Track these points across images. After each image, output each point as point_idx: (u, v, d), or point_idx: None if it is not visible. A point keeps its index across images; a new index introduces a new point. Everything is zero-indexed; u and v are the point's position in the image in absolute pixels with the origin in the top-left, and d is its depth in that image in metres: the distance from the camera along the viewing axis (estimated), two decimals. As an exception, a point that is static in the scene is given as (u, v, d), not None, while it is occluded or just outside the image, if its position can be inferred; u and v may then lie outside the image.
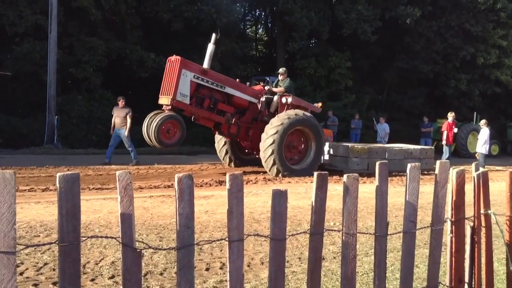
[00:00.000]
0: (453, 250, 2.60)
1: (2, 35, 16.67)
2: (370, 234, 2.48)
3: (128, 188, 1.81)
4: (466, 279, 2.67)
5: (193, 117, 10.72)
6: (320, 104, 12.71)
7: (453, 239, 2.59)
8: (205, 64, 10.67)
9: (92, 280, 3.70)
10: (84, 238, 1.78)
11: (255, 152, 11.56)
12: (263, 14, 29.79)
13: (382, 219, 2.40)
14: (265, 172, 11.03)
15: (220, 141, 12.19)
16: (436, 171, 2.56)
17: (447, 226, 2.61)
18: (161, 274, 3.88)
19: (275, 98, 11.60)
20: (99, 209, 6.44)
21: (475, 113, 21.79)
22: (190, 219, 1.91)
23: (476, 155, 14.49)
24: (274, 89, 11.82)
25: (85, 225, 5.33)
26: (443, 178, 2.56)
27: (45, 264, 3.99)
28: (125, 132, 12.09)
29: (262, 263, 4.29)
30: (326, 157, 12.52)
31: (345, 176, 2.29)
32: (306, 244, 4.70)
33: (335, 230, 2.80)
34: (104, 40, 18.10)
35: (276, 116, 10.94)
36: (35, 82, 17.16)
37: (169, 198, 7.53)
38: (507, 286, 2.80)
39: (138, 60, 18.53)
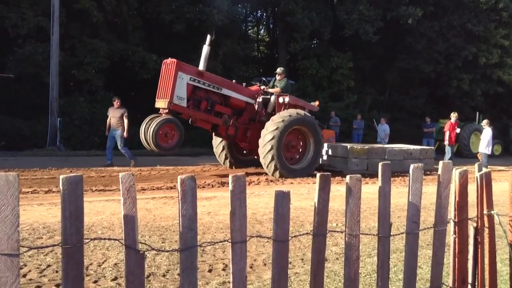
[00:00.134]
0: (456, 250, 2.59)
1: (4, 37, 16.71)
2: (373, 235, 2.47)
3: (131, 190, 1.82)
4: (470, 280, 2.66)
5: (190, 120, 10.69)
6: (317, 103, 12.66)
7: (456, 239, 2.59)
8: (201, 66, 10.63)
9: (95, 282, 3.71)
10: (87, 240, 1.79)
11: (253, 153, 11.53)
12: (264, 15, 29.82)
13: (385, 220, 2.40)
14: (267, 173, 11.03)
15: (218, 145, 12.17)
16: (439, 172, 2.56)
17: (450, 227, 2.61)
18: (164, 275, 3.88)
19: (272, 98, 11.56)
20: (101, 210, 6.44)
21: (477, 113, 21.74)
22: (193, 221, 1.91)
23: (478, 155, 14.46)
24: (270, 90, 11.78)
25: (88, 226, 5.33)
26: (446, 178, 2.56)
27: (48, 266, 4.00)
28: (124, 133, 12.08)
29: (265, 264, 4.28)
30: (325, 157, 12.51)
31: (347, 177, 2.29)
32: (308, 245, 4.69)
33: (338, 232, 2.80)
34: (106, 42, 18.13)
35: (277, 114, 10.92)
36: (37, 84, 17.19)
37: (172, 199, 7.54)
38: (511, 286, 2.79)
39: (140, 62, 18.55)
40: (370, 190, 7.14)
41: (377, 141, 18.57)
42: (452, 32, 23.12)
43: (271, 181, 10.40)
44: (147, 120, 10.22)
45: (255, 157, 11.29)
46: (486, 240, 2.67)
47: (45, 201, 7.18)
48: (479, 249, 2.66)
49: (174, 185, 9.18)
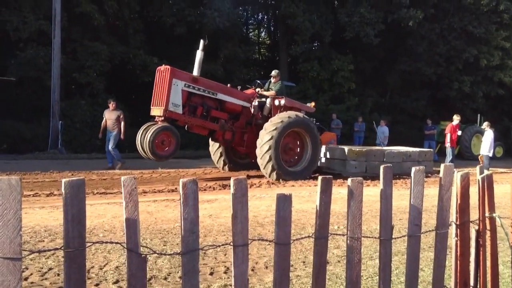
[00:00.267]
0: (458, 253, 2.59)
1: (6, 40, 16.76)
2: (375, 238, 2.47)
3: (133, 193, 1.82)
4: (471, 282, 2.66)
5: (186, 126, 10.68)
6: (313, 104, 12.56)
7: (458, 242, 2.59)
8: (195, 72, 10.58)
9: (97, 285, 3.71)
10: (89, 244, 1.79)
11: (251, 156, 11.47)
12: (265, 17, 29.90)
13: (387, 222, 2.40)
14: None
15: (214, 145, 12.16)
16: (441, 174, 2.56)
17: (452, 230, 2.61)
18: (165, 278, 3.88)
19: (268, 101, 11.54)
20: (103, 213, 6.45)
21: (478, 115, 21.73)
22: (194, 224, 1.91)
23: (480, 157, 14.44)
24: (265, 93, 11.73)
25: (89, 229, 5.33)
26: (447, 181, 2.56)
27: (50, 269, 4.00)
28: (120, 135, 12.10)
29: (267, 267, 4.28)
30: (324, 160, 12.48)
31: (349, 179, 2.29)
32: (310, 248, 4.69)
33: (339, 234, 2.80)
34: (107, 45, 18.18)
35: (276, 115, 10.88)
36: (39, 87, 17.24)
37: (173, 202, 7.54)
38: (513, 289, 2.78)
39: (141, 65, 18.60)
40: (371, 192, 7.14)
41: (376, 143, 18.55)
42: (453, 35, 23.14)
43: (273, 183, 10.39)
44: (143, 129, 10.15)
45: (253, 160, 11.20)
46: (488, 243, 2.67)
47: (47, 204, 7.19)
48: (481, 252, 2.66)
49: (176, 188, 9.19)
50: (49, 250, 2.15)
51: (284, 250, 2.09)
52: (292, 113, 10.90)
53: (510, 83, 23.76)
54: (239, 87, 11.82)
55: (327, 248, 2.23)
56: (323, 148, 12.64)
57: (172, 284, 3.75)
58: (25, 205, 6.80)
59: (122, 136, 12.14)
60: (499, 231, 2.73)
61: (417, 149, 13.61)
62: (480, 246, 2.66)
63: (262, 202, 7.73)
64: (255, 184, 10.23)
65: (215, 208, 7.13)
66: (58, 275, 3.82)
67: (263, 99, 11.65)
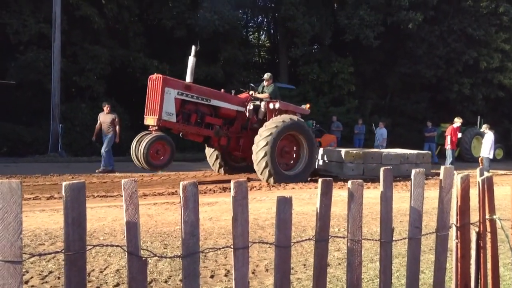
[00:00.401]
0: (459, 255, 2.59)
1: (6, 43, 16.77)
2: (375, 240, 2.47)
3: (134, 196, 1.82)
4: (472, 285, 2.66)
5: (181, 134, 10.63)
6: (308, 106, 12.46)
7: (459, 244, 2.59)
8: (188, 78, 10.55)
9: (97, 288, 3.71)
10: (89, 247, 1.79)
11: (247, 160, 11.35)
12: (265, 20, 29.93)
13: (387, 225, 2.40)
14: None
15: (211, 153, 12.13)
16: (441, 177, 2.56)
17: (452, 232, 2.61)
18: (166, 282, 3.88)
19: (262, 104, 11.48)
20: (103, 216, 6.45)
21: (478, 117, 21.73)
22: (195, 227, 1.91)
23: (480, 159, 14.42)
24: (259, 96, 11.68)
25: (90, 233, 5.33)
26: (447, 183, 2.56)
27: (50, 272, 4.00)
28: (116, 138, 12.09)
29: (267, 270, 4.28)
30: (321, 162, 12.46)
31: (349, 182, 2.29)
32: (310, 251, 4.69)
33: (340, 237, 2.80)
34: (108, 48, 18.19)
35: (270, 120, 10.81)
36: (39, 90, 17.24)
37: (173, 205, 7.54)
38: (514, 291, 2.78)
39: (141, 68, 18.60)
40: (371, 195, 7.13)
41: (374, 145, 18.53)
42: (452, 37, 23.16)
43: (273, 186, 10.38)
44: (137, 139, 10.12)
45: (249, 164, 11.12)
46: (489, 245, 2.67)
47: (47, 207, 7.19)
48: (482, 254, 2.66)
49: (176, 191, 9.18)
50: (50, 254, 2.15)
51: (284, 252, 2.09)
52: (286, 117, 10.81)
53: (510, 85, 23.76)
54: (233, 91, 11.77)
55: (327, 250, 2.23)
56: (320, 150, 12.63)
57: (172, 287, 3.75)
58: (26, 209, 6.80)
59: (117, 140, 12.13)
60: (500, 233, 2.73)
61: (415, 151, 13.56)
62: (481, 248, 2.66)
63: (262, 205, 7.73)
64: (255, 186, 10.23)
65: (216, 211, 7.12)
66: (59, 278, 3.82)
67: (258, 103, 11.60)
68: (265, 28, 31.03)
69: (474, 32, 22.66)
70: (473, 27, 22.76)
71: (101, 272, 4.07)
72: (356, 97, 23.53)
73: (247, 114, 11.39)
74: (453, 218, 2.60)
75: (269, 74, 12.16)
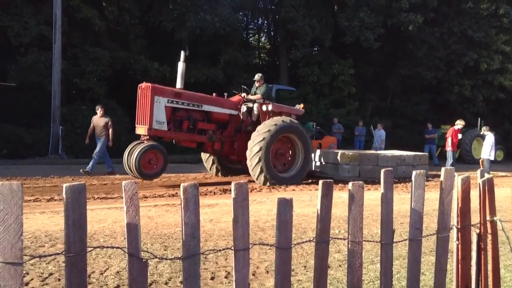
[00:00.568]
0: (459, 257, 2.59)
1: (7, 46, 16.80)
2: (376, 242, 2.47)
3: (134, 198, 1.82)
4: (473, 286, 2.66)
5: (174, 141, 10.58)
6: (301, 106, 12.32)
7: (459, 246, 2.58)
8: (178, 84, 10.49)
9: (98, 290, 3.70)
10: (90, 249, 1.79)
11: (243, 163, 11.20)
12: (265, 22, 29.96)
13: (388, 226, 2.40)
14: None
15: (207, 156, 12.07)
16: (442, 178, 2.56)
17: (453, 233, 2.60)
18: (166, 283, 3.87)
19: (255, 106, 11.36)
20: (103, 218, 6.44)
21: (479, 119, 21.73)
22: (196, 229, 1.91)
23: (480, 161, 14.41)
24: (251, 97, 11.57)
25: (90, 235, 5.33)
26: (448, 185, 2.56)
27: (50, 274, 4.00)
28: (108, 142, 12.05)
29: (267, 271, 4.27)
30: (318, 164, 12.43)
31: (350, 183, 2.29)
32: (311, 252, 4.68)
33: (340, 239, 2.80)
34: (108, 50, 18.21)
35: (263, 124, 10.70)
36: (39, 92, 17.26)
37: (174, 207, 7.54)
38: (515, 293, 2.78)
39: (142, 70, 18.63)
40: (372, 196, 7.13)
41: (372, 147, 18.51)
42: (453, 39, 23.17)
43: (273, 188, 10.37)
44: (128, 149, 10.09)
45: (245, 167, 10.98)
46: (489, 247, 2.67)
47: (47, 209, 7.19)
48: (482, 256, 2.65)
49: (176, 193, 9.18)
50: (50, 255, 2.15)
51: (285, 254, 2.09)
52: (279, 119, 10.70)
53: (510, 87, 23.76)
54: (225, 94, 11.67)
55: (328, 252, 2.23)
56: (317, 152, 12.59)
57: (173, 289, 3.75)
58: (26, 210, 6.80)
59: (110, 144, 12.10)
60: (500, 235, 2.72)
61: (412, 153, 13.49)
62: (482, 249, 2.66)
63: (262, 207, 7.73)
64: (255, 188, 10.23)
65: (216, 212, 7.12)
66: (59, 280, 3.82)
67: (251, 105, 11.48)
68: (266, 30, 31.07)
69: (474, 34, 22.66)
70: (473, 29, 22.77)
71: (101, 274, 4.06)
72: (357, 99, 23.54)
73: (241, 117, 11.29)
74: (454, 219, 2.59)
75: (259, 74, 12.01)
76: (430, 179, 12.25)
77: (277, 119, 10.73)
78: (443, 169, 2.59)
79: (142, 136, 10.23)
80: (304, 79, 22.86)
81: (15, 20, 16.46)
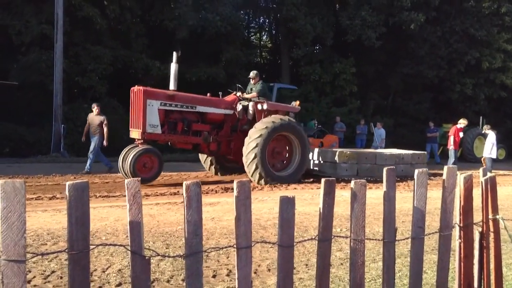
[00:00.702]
0: (462, 255, 2.59)
1: (8, 45, 16.82)
2: (378, 240, 2.47)
3: (137, 196, 1.83)
4: (475, 285, 2.66)
5: (169, 143, 10.52)
6: (297, 103, 12.14)
7: (462, 244, 2.58)
8: (171, 86, 10.41)
9: (100, 287, 3.71)
10: (93, 246, 1.79)
11: (239, 163, 11.07)
12: (267, 21, 29.95)
13: (390, 225, 2.40)
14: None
15: (205, 156, 11.98)
16: (444, 177, 2.56)
17: (456, 232, 2.60)
18: (168, 281, 3.88)
19: (250, 105, 11.24)
20: (105, 216, 6.45)
21: (481, 117, 21.70)
22: (198, 226, 1.91)
23: (482, 159, 14.39)
24: (246, 95, 11.47)
25: (92, 233, 5.33)
26: (450, 183, 2.56)
27: (53, 272, 4.01)
28: (103, 141, 11.99)
29: (269, 270, 4.28)
30: (317, 162, 12.40)
31: (352, 182, 2.29)
32: (313, 251, 4.69)
33: (343, 237, 2.80)
34: (110, 49, 18.22)
35: (260, 121, 10.59)
36: (41, 91, 17.27)
37: (175, 205, 7.54)
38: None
39: (143, 69, 18.64)
40: (374, 195, 7.13)
41: (372, 145, 18.47)
42: (454, 37, 23.13)
43: (275, 186, 10.36)
44: (124, 152, 10.06)
45: (242, 166, 10.84)
46: (492, 245, 2.67)
47: (49, 207, 7.20)
48: (485, 254, 2.65)
49: (178, 191, 9.19)
50: (53, 253, 2.15)
51: (287, 252, 2.09)
52: (276, 118, 10.58)
53: (512, 86, 23.76)
54: (220, 93, 11.55)
55: (330, 250, 2.23)
56: (316, 150, 12.56)
57: (175, 287, 3.75)
58: (28, 209, 6.80)
59: (105, 143, 12.05)
60: (503, 233, 2.72)
61: (410, 152, 13.41)
62: (484, 248, 2.66)
63: (264, 205, 7.73)
64: (257, 187, 10.23)
65: (218, 211, 7.13)
66: (61, 278, 3.83)
67: (246, 103, 11.37)
68: (267, 29, 31.05)
69: (476, 32, 22.63)
70: (475, 28, 22.74)
71: (104, 271, 4.07)
72: (358, 97, 23.53)
73: (237, 115, 11.20)
74: (456, 218, 2.59)
75: (255, 71, 11.86)
76: (432, 177, 12.23)
77: (275, 117, 10.62)
78: (445, 167, 2.59)
79: (136, 140, 10.20)
80: (306, 78, 22.86)
81: (16, 19, 16.48)
